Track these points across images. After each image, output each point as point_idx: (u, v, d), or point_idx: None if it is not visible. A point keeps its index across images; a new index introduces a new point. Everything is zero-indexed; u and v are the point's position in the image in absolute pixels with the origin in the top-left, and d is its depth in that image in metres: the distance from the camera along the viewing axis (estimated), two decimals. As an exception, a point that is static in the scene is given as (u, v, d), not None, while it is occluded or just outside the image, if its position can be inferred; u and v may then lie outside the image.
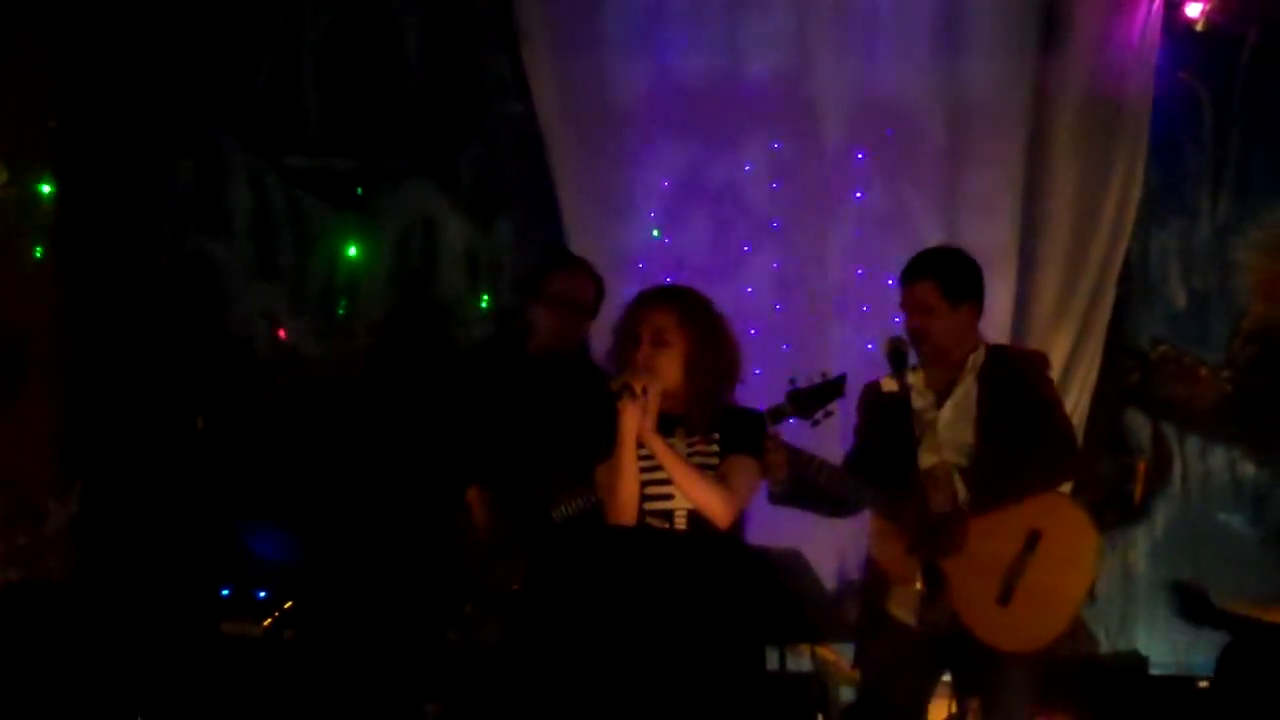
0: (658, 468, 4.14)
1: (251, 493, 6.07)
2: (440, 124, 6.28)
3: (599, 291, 4.90)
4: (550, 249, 6.05)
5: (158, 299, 6.29)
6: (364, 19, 6.29)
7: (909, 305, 4.51)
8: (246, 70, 6.31)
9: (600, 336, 5.02)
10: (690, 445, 4.20)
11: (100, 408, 6.14)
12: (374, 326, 6.32)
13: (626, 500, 4.13)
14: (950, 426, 4.46)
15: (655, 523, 4.16)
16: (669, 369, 4.14)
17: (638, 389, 4.09)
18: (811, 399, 4.27)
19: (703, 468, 4.16)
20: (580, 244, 6.06)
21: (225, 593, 5.90)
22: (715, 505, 4.11)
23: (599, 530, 4.12)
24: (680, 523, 4.16)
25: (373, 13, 6.29)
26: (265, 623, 5.59)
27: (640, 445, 4.13)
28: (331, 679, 5.47)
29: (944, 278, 4.52)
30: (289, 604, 5.64)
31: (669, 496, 4.16)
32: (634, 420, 4.10)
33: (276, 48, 6.32)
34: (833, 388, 4.28)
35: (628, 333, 4.19)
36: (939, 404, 4.50)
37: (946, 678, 4.56)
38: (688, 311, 4.20)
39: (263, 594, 5.85)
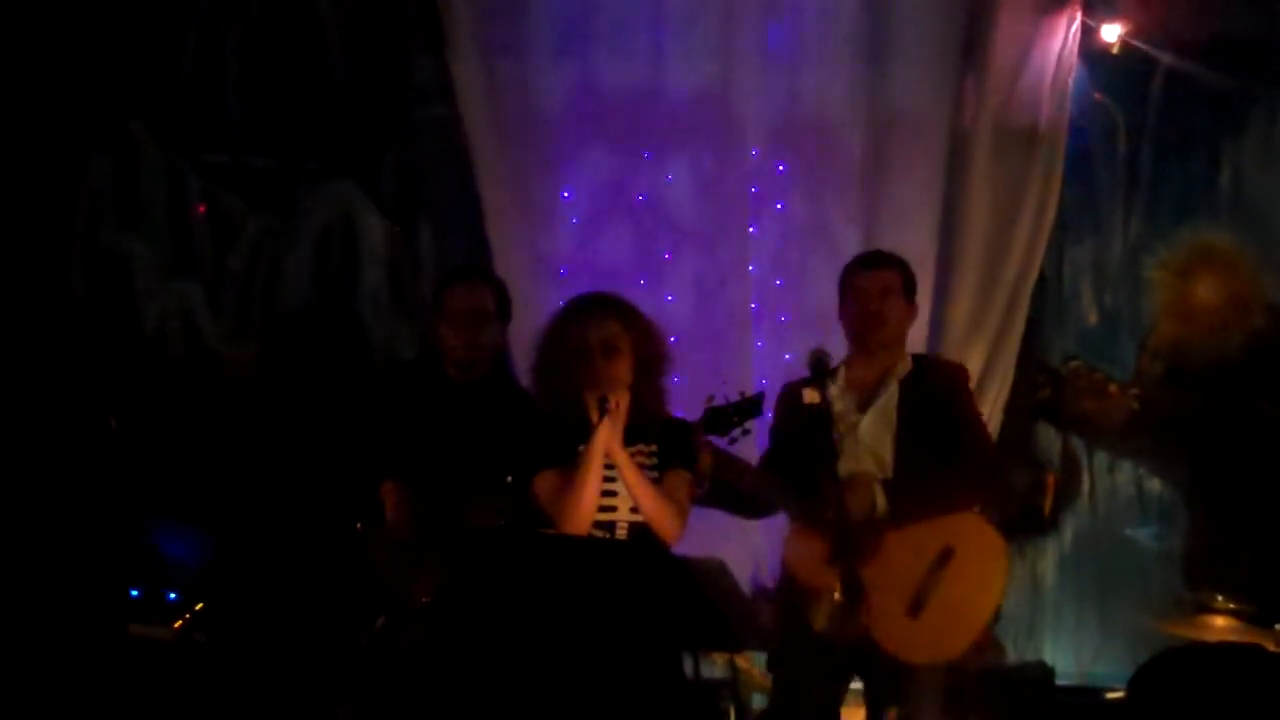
0: (605, 479, 4.16)
1: (164, 493, 5.99)
2: (363, 126, 6.24)
3: (501, 297, 4.89)
4: (458, 263, 6.06)
5: (71, 296, 6.19)
6: (288, 16, 6.23)
7: (870, 289, 4.55)
8: (166, 65, 6.23)
9: (517, 345, 5.05)
10: (632, 454, 4.22)
11: (11, 405, 6.03)
12: (292, 329, 6.27)
13: (586, 513, 4.14)
14: (870, 434, 4.50)
15: (598, 533, 4.17)
16: (625, 376, 4.17)
17: (613, 405, 4.11)
18: (729, 417, 4.30)
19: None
20: (502, 251, 6.06)
21: (135, 594, 5.81)
22: (668, 521, 4.16)
23: (525, 538, 4.13)
24: (622, 533, 4.19)
25: (297, 10, 6.23)
26: (176, 625, 5.53)
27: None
28: (243, 682, 5.42)
29: (905, 272, 4.62)
30: (200, 606, 5.58)
31: (613, 508, 4.19)
32: (608, 435, 4.11)
33: (197, 42, 6.24)
34: (751, 406, 4.30)
35: (575, 345, 4.18)
36: (861, 409, 4.53)
37: (856, 684, 4.61)
38: (630, 318, 4.23)
39: (173, 596, 5.78)
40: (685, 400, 4.54)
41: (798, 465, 4.46)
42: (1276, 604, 5.16)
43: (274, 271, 6.28)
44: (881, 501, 4.36)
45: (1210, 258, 6.19)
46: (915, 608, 4.34)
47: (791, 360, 5.85)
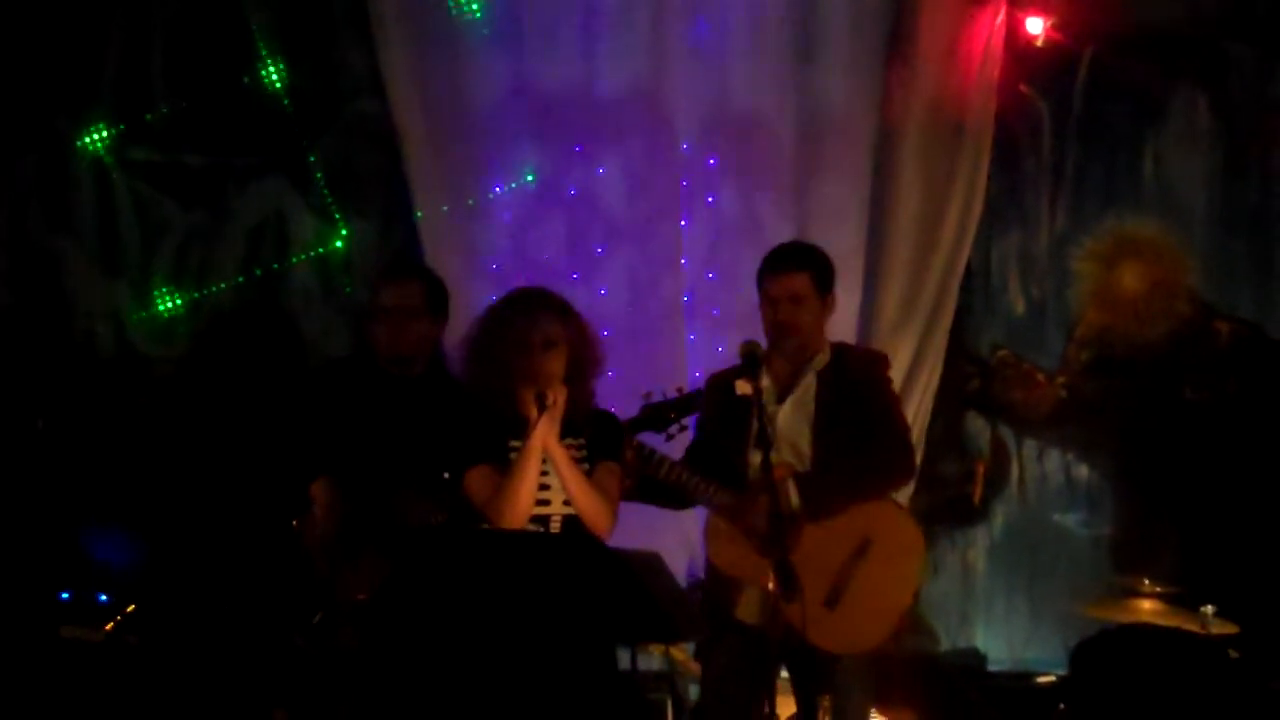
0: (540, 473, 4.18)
1: (94, 495, 5.93)
2: (294, 121, 6.20)
3: (432, 291, 4.87)
4: (391, 258, 6.04)
5: (-4, 296, 6.14)
6: (215, 11, 6.18)
7: (781, 296, 4.55)
8: (92, 62, 6.16)
9: (449, 339, 5.05)
10: (564, 447, 4.24)
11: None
12: (223, 326, 6.22)
13: (524, 509, 4.16)
14: (788, 424, 4.53)
15: (533, 528, 4.19)
16: (560, 372, 4.19)
17: (551, 400, 4.12)
18: (667, 413, 4.31)
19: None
20: (434, 245, 6.05)
21: (65, 597, 5.75)
22: (601, 515, 4.18)
23: (461, 534, 4.13)
24: (556, 527, 4.20)
25: (224, 5, 6.18)
26: (107, 627, 5.48)
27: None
28: (176, 685, 5.38)
29: (817, 271, 4.60)
30: (131, 608, 5.54)
31: (547, 502, 4.20)
32: (546, 431, 4.13)
33: (124, 38, 6.17)
34: (688, 402, 4.33)
35: (515, 339, 4.19)
36: (780, 399, 4.56)
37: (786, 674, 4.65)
38: (567, 316, 4.25)
39: (104, 598, 5.72)
40: (620, 394, 4.56)
41: (728, 455, 4.47)
42: (1202, 587, 5.25)
43: (204, 269, 6.23)
44: (794, 496, 4.38)
45: (1135, 247, 6.28)
46: (833, 598, 4.37)
47: (724, 352, 5.87)
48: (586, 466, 4.25)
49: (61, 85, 6.14)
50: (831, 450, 4.48)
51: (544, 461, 4.18)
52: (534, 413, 4.12)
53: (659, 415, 4.35)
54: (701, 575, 5.84)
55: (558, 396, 4.14)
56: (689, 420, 4.45)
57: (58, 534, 5.85)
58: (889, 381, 4.71)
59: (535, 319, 4.20)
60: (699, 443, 4.66)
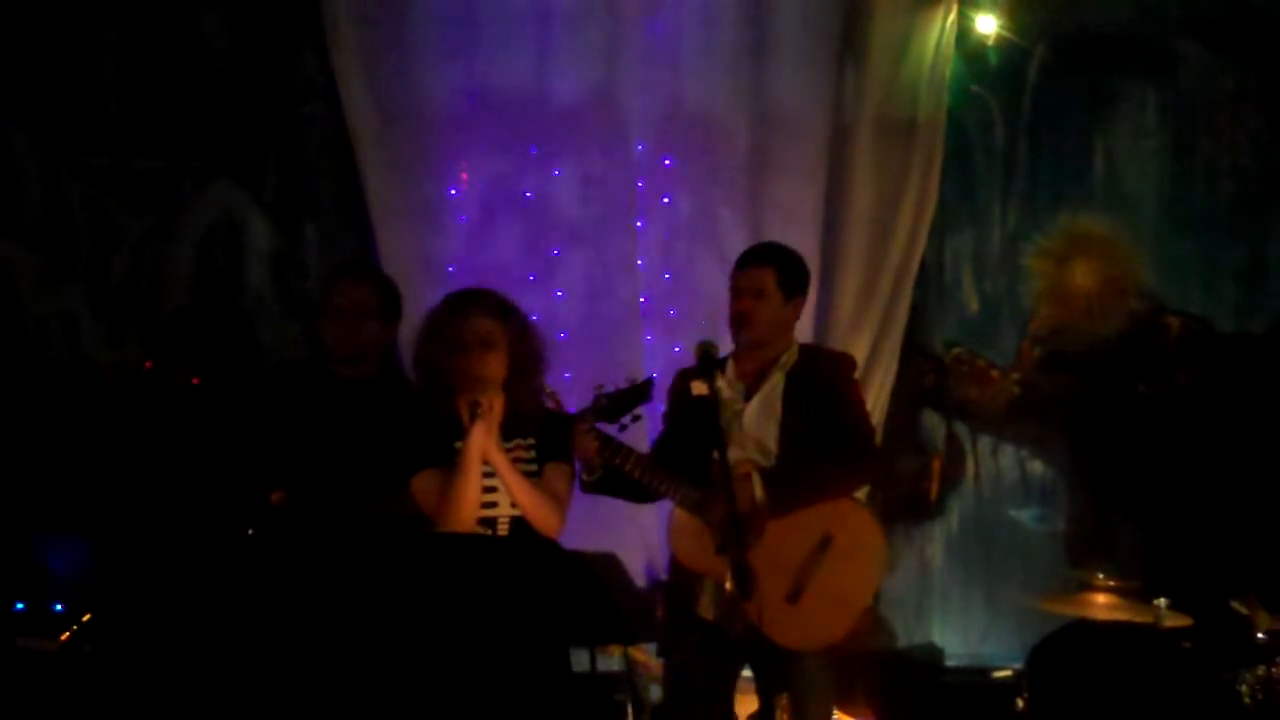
0: (484, 475, 4.18)
1: (46, 503, 5.89)
2: (246, 124, 6.17)
3: (385, 294, 4.85)
4: (344, 260, 6.02)
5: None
6: (167, 15, 6.14)
7: (742, 288, 4.60)
8: (41, 66, 6.12)
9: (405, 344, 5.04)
10: (510, 449, 4.25)
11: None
12: (176, 331, 6.18)
13: (469, 512, 4.16)
14: (755, 422, 4.56)
15: (480, 529, 4.19)
16: (499, 372, 4.19)
17: (485, 407, 4.13)
18: (619, 404, 4.33)
19: (525, 472, 4.22)
20: (389, 248, 6.04)
21: (20, 607, 5.71)
22: (548, 517, 4.19)
23: (413, 537, 4.13)
24: (503, 528, 4.21)
25: (176, 9, 6.15)
26: (62, 637, 5.44)
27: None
28: (132, 693, 5.35)
29: (783, 268, 4.64)
30: (87, 617, 5.50)
31: (494, 504, 4.21)
32: (482, 438, 4.13)
33: (73, 42, 6.13)
34: (640, 392, 4.34)
35: (451, 340, 4.20)
36: (747, 397, 4.59)
37: (748, 672, 4.67)
38: (505, 313, 4.26)
39: (59, 607, 5.68)
40: (578, 395, 4.56)
41: (687, 450, 4.49)
42: (1156, 580, 5.30)
43: (157, 273, 6.19)
44: (759, 490, 4.40)
45: (1086, 244, 6.33)
46: (794, 594, 4.40)
47: (681, 353, 5.90)
48: (535, 468, 4.26)
49: (10, 89, 6.09)
50: (798, 449, 4.51)
51: (488, 465, 4.18)
52: (467, 420, 4.13)
53: (611, 406, 4.36)
54: (661, 576, 5.88)
55: (493, 402, 4.15)
56: (641, 410, 4.46)
57: (11, 543, 5.80)
58: (856, 384, 4.76)
59: (471, 319, 4.21)
60: (665, 438, 4.68)
